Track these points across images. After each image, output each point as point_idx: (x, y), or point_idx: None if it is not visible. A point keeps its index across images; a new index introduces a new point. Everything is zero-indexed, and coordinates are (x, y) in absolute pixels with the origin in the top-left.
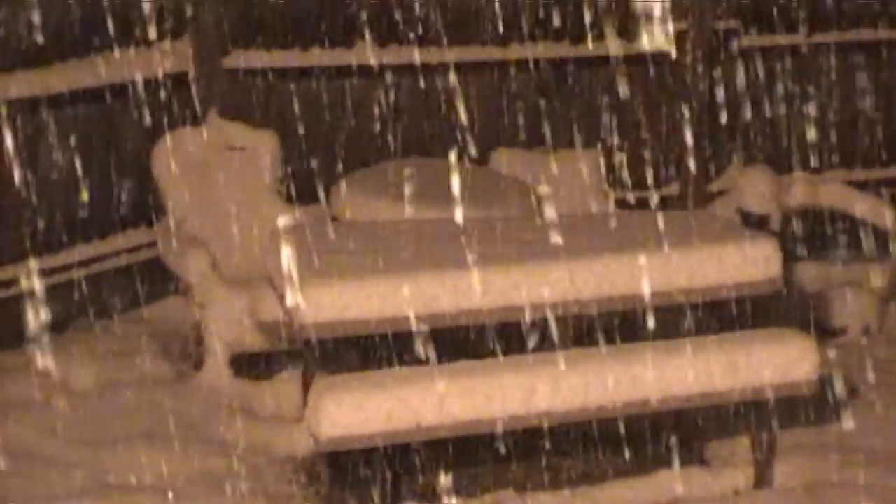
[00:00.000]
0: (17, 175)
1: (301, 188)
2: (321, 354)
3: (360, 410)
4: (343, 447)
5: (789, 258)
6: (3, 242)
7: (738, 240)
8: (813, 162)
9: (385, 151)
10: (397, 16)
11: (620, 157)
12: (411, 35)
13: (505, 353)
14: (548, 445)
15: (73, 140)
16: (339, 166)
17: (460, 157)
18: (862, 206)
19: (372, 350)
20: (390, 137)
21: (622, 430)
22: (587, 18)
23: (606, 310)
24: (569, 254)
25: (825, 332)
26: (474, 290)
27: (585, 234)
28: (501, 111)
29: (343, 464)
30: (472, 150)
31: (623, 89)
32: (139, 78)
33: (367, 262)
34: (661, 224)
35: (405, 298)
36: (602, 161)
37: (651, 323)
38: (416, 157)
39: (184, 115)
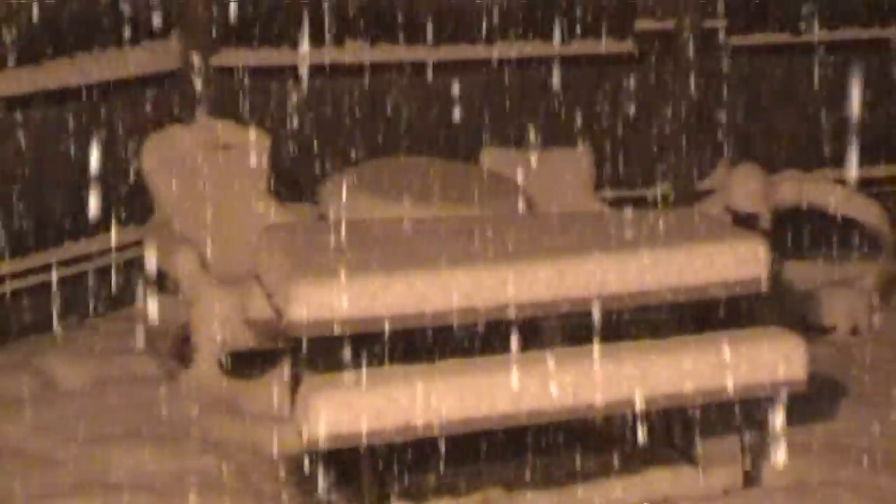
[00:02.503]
0: (4, 173)
1: (290, 186)
2: (310, 353)
3: (349, 409)
4: (332, 446)
5: (778, 257)
6: None
7: (727, 238)
8: (802, 160)
9: (374, 149)
10: (387, 14)
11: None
12: (401, 33)
13: (494, 352)
14: (537, 444)
15: (62, 138)
16: (329, 164)
17: (449, 155)
18: (851, 205)
19: (361, 348)
20: (380, 135)
21: (611, 428)
22: (575, 17)
23: (595, 308)
24: (558, 252)
25: (814, 331)
26: (463, 288)
27: (574, 233)
28: (490, 109)
29: (332, 462)
30: (462, 148)
31: (611, 88)
32: (129, 76)
33: (356, 260)
34: (649, 223)
35: (394, 297)
36: (590, 160)
37: (640, 322)
38: (405, 154)
39: (173, 113)
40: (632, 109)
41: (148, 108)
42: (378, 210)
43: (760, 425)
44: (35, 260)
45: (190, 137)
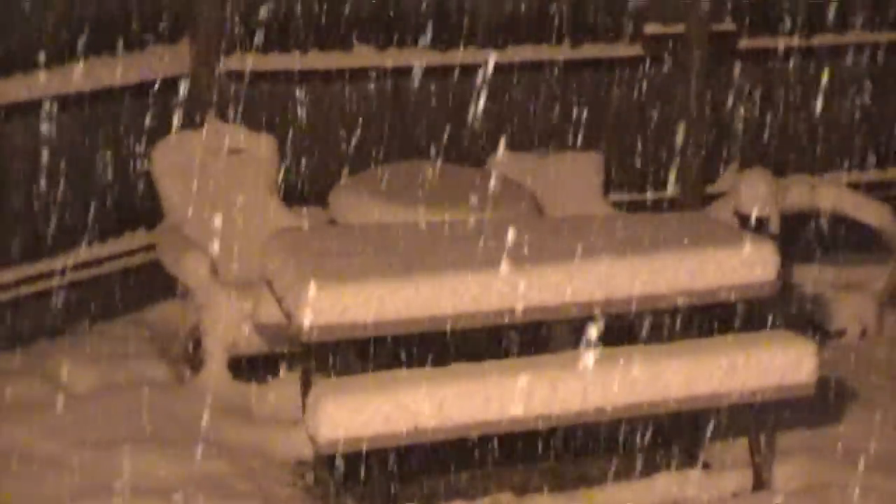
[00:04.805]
0: (15, 177)
1: (300, 191)
2: (320, 357)
3: (358, 413)
4: (342, 450)
5: (787, 260)
6: (2, 245)
7: (736, 242)
8: (811, 164)
9: (384, 154)
10: (396, 19)
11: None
12: (409, 38)
13: (504, 356)
14: (546, 448)
15: (71, 143)
16: (339, 169)
17: (459, 160)
18: (860, 208)
19: (371, 352)
20: (389, 140)
21: (621, 432)
22: (584, 21)
23: (605, 312)
24: (567, 256)
25: (823, 335)
26: (473, 292)
27: (584, 237)
28: (500, 113)
29: (342, 466)
30: (472, 153)
31: (621, 92)
32: (138, 80)
33: (365, 264)
34: (659, 227)
35: (403, 301)
36: (600, 163)
37: (649, 325)
38: (414, 160)
39: (183, 117)
40: (641, 113)
41: (158, 112)
42: (388, 215)
43: (770, 428)
44: (44, 265)
45: (199, 142)
